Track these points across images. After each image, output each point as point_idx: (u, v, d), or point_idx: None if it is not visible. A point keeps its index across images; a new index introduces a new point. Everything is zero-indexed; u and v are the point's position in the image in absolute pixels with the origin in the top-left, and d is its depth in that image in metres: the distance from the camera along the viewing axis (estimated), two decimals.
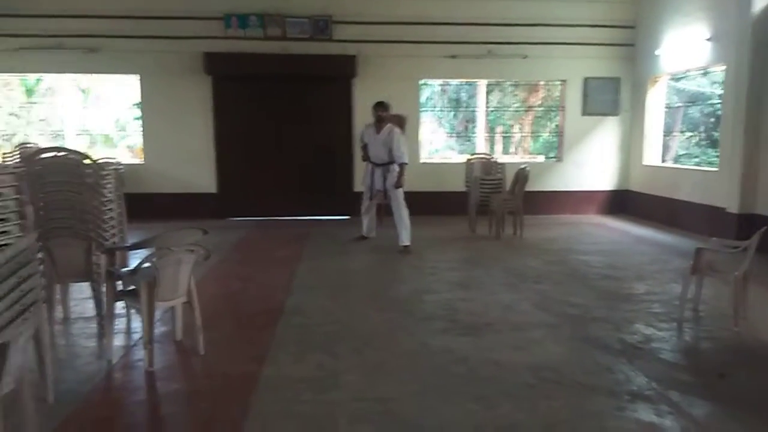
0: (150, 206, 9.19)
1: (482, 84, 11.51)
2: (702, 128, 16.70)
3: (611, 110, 10.62)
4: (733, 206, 7.78)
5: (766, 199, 7.46)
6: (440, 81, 11.46)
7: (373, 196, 7.73)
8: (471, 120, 14.30)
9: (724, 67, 8.38)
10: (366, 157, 7.76)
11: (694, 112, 17.55)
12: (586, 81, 10.54)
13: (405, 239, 7.31)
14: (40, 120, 16.31)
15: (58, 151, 4.23)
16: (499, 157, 11.61)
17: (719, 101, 9.45)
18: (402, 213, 7.36)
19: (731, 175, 7.86)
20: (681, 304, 4.60)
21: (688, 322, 4.62)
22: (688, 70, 9.63)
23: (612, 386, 3.41)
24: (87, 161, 4.15)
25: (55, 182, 4.04)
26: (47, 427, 2.86)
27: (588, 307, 4.98)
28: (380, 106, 7.48)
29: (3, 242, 2.93)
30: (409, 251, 7.21)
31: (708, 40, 8.55)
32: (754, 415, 3.11)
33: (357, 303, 5.19)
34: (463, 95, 19.84)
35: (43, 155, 4.10)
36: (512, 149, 18.82)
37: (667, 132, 14.93)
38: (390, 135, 7.39)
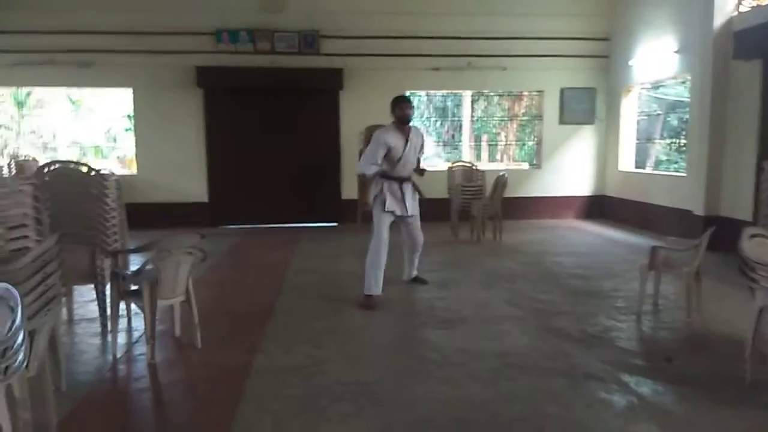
0: (144, 215, 9.48)
1: (467, 94, 11.93)
2: (682, 135, 17.23)
3: (587, 119, 11.09)
4: (699, 209, 8.24)
5: (729, 202, 7.92)
6: (425, 92, 11.92)
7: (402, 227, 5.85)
8: (457, 129, 14.71)
9: (690, 77, 8.87)
10: (387, 174, 5.47)
11: (674, 119, 18.11)
12: (563, 91, 11.01)
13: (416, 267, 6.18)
14: (31, 132, 16.58)
15: (66, 164, 4.59)
16: (486, 165, 12.04)
17: None
18: (421, 236, 5.96)
19: (698, 180, 8.33)
20: (639, 298, 5.01)
21: (647, 314, 5.03)
22: (658, 80, 10.11)
23: (568, 369, 3.81)
24: (92, 173, 4.51)
25: (63, 192, 4.41)
26: (63, 410, 3.20)
27: (555, 303, 5.40)
28: (408, 103, 5.51)
29: (22, 246, 3.28)
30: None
31: (676, 52, 9.04)
32: (693, 391, 3.50)
33: (342, 303, 5.53)
34: (450, 104, 20.32)
35: (52, 167, 4.47)
36: (498, 157, 19.30)
37: (648, 139, 15.42)
38: (419, 136, 5.62)
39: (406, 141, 5.42)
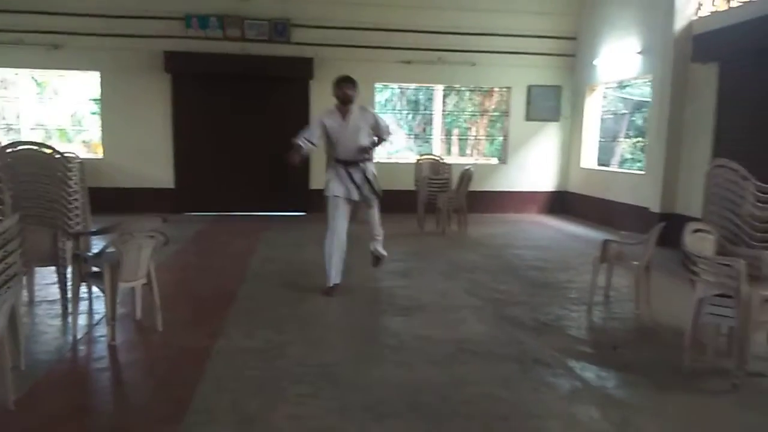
0: (109, 200, 9.41)
1: (438, 88, 12.04)
2: (647, 134, 17.62)
3: (552, 116, 11.33)
4: (655, 206, 8.53)
5: (683, 200, 8.21)
6: (396, 84, 12.06)
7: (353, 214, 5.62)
8: (429, 122, 14.81)
9: (651, 78, 9.14)
10: (335, 157, 5.48)
11: (639, 118, 18.52)
12: (530, 88, 11.21)
13: (381, 247, 5.98)
14: None
15: (29, 145, 4.58)
16: (456, 159, 12.19)
17: None
18: (377, 226, 5.78)
19: (655, 179, 8.61)
20: (591, 289, 5.20)
21: (598, 305, 5.24)
22: (622, 80, 10.38)
23: (519, 355, 3.98)
24: (56, 155, 4.50)
25: (26, 173, 4.40)
26: (22, 388, 3.23)
27: (512, 293, 5.58)
28: (349, 83, 5.38)
29: None
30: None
31: (639, 52, 9.29)
32: (634, 377, 3.69)
33: (305, 290, 5.59)
34: (421, 98, 20.40)
35: (15, 148, 4.45)
36: (468, 151, 19.48)
37: (614, 137, 15.73)
38: (366, 116, 5.49)
39: (345, 121, 5.33)
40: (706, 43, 7.67)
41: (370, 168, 5.52)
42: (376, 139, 5.47)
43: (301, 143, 5.32)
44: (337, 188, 5.38)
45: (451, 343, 4.17)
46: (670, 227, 5.23)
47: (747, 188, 4.03)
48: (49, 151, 4.55)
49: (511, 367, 3.78)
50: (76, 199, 4.73)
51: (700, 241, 3.84)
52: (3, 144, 8.66)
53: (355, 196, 5.42)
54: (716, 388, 3.62)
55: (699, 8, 8.07)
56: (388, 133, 5.58)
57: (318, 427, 2.98)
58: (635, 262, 4.96)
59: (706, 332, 3.97)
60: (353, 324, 4.74)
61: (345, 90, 5.33)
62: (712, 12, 7.86)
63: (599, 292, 5.36)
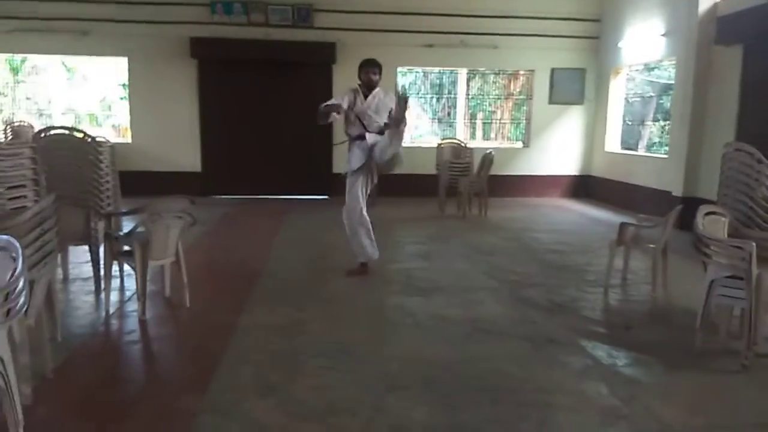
0: (137, 183, 9.66)
1: (462, 72, 12.05)
2: None
3: (576, 99, 11.27)
4: (678, 190, 8.49)
5: (706, 184, 8.15)
6: (420, 68, 12.14)
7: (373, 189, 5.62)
8: (453, 106, 14.77)
9: (675, 61, 9.06)
10: (354, 135, 5.41)
11: (666, 102, 18.26)
12: (554, 71, 11.17)
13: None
14: (27, 98, 16.61)
15: (62, 130, 4.79)
16: (480, 143, 12.23)
17: None
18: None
19: (678, 162, 8.57)
20: (607, 272, 5.27)
21: (614, 288, 5.30)
22: (646, 63, 10.29)
23: (532, 334, 4.08)
24: (87, 139, 4.70)
25: (59, 157, 4.60)
26: (59, 358, 3.45)
27: (529, 275, 5.66)
28: (374, 67, 5.37)
29: (21, 205, 3.50)
30: None
31: (663, 35, 9.20)
32: (645, 356, 3.77)
33: (327, 271, 5.77)
34: (446, 81, 20.35)
35: (49, 133, 4.66)
36: (493, 135, 19.39)
37: (641, 121, 15.58)
38: (388, 100, 5.34)
39: (368, 100, 5.33)
40: (730, 25, 7.58)
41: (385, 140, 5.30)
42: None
43: (330, 102, 5.23)
44: (349, 164, 5.40)
45: (467, 322, 4.29)
46: (689, 211, 5.25)
47: (762, 171, 4.05)
48: (80, 135, 4.75)
49: (523, 345, 3.89)
50: (107, 182, 4.94)
51: (712, 224, 3.89)
52: (36, 128, 8.97)
53: (369, 160, 5.32)
54: (726, 369, 3.68)
55: None
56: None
57: (335, 396, 3.13)
58: (652, 245, 5.01)
59: (719, 314, 4.03)
60: (372, 303, 4.88)
61: (369, 75, 5.35)
62: None
63: (616, 275, 5.42)
